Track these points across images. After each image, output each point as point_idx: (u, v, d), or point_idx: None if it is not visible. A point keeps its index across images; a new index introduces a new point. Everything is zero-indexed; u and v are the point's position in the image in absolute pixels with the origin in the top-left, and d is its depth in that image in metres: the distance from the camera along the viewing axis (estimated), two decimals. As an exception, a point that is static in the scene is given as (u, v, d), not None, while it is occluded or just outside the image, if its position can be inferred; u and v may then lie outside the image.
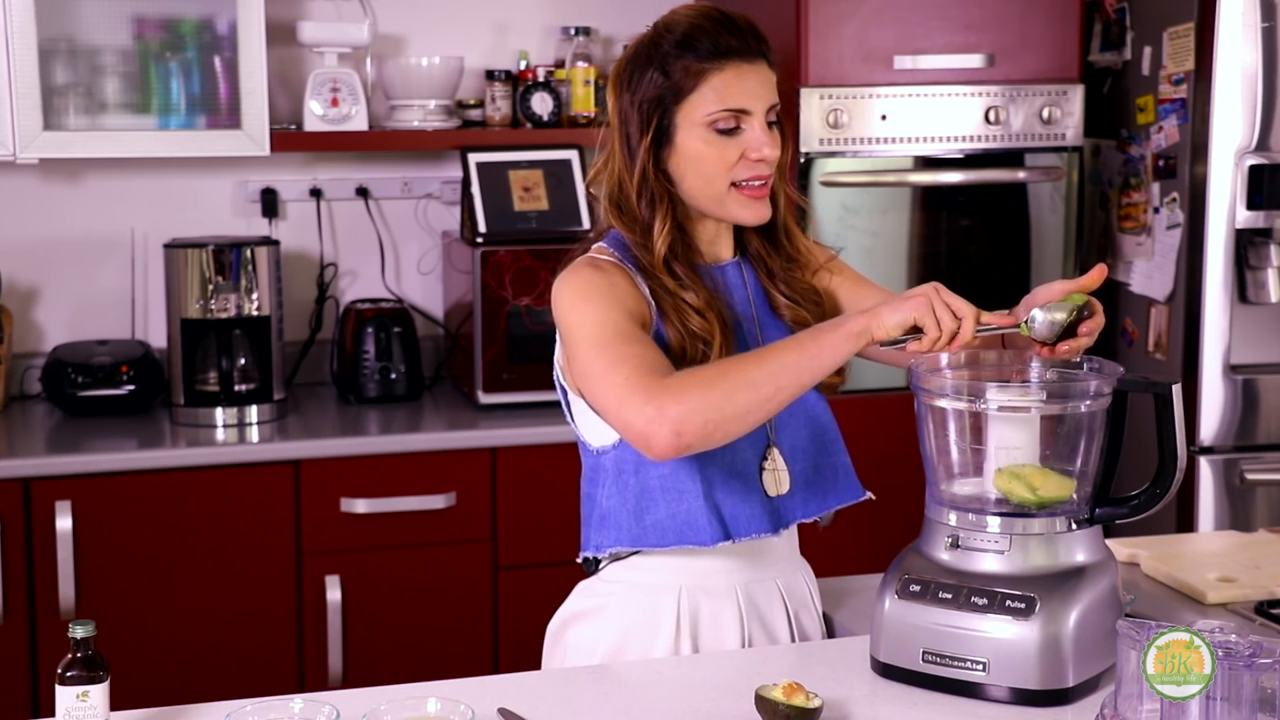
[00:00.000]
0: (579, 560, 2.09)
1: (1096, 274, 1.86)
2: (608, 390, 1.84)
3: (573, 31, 3.81)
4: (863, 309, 1.83)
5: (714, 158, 1.96)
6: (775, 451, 2.03)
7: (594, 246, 2.04)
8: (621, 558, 2.05)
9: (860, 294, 2.14)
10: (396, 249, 3.90)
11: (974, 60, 3.54)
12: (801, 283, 2.11)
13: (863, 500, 2.12)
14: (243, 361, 3.47)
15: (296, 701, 1.72)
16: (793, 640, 2.08)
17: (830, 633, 2.18)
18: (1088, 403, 1.86)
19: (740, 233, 2.10)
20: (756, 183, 1.99)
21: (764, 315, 2.07)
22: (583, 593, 2.10)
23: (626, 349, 1.86)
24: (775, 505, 2.02)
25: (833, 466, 2.09)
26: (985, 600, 1.81)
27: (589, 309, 1.92)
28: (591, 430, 2.03)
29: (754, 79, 1.97)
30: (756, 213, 2.01)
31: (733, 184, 1.98)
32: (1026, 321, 1.86)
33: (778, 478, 2.03)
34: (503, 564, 3.37)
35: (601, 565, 2.07)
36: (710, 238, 2.06)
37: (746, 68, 1.97)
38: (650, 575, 2.03)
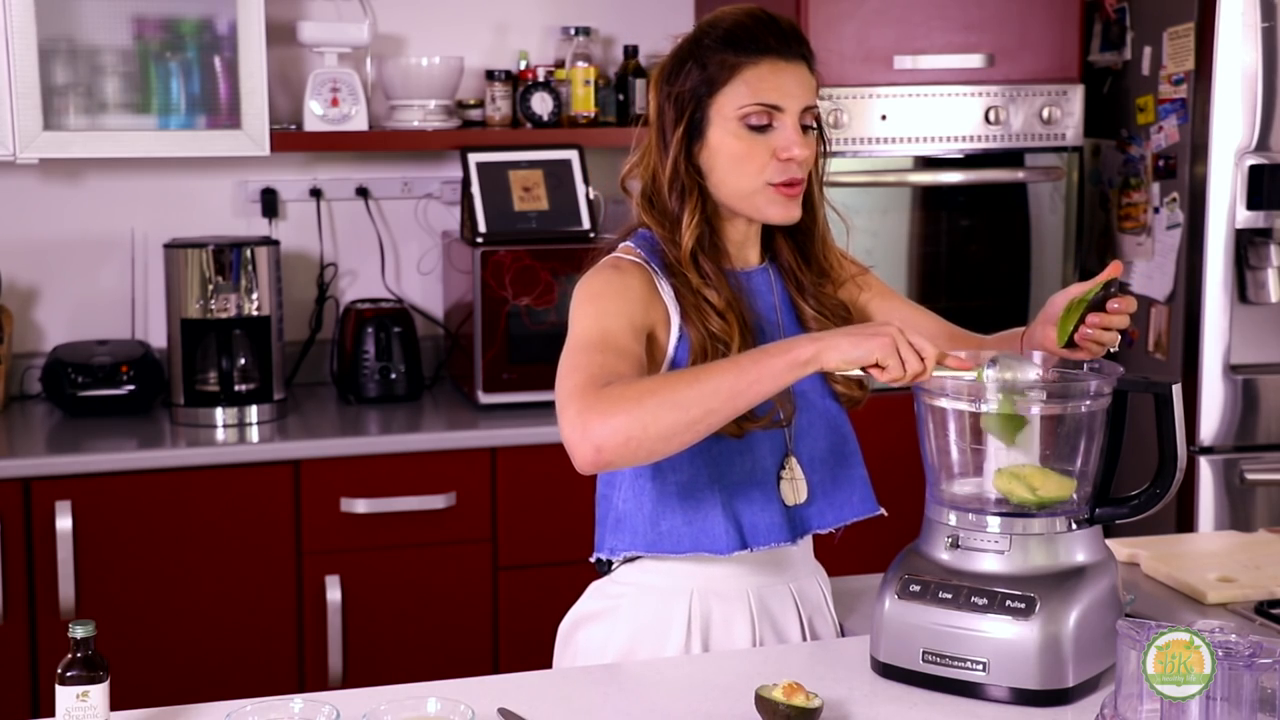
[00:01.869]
0: (592, 560, 2.09)
1: (1110, 271, 1.91)
2: (557, 395, 1.81)
3: (573, 31, 3.81)
4: (814, 335, 1.78)
5: (743, 154, 1.95)
6: (794, 461, 2.02)
7: (620, 245, 2.03)
8: (634, 560, 2.04)
9: (889, 310, 2.13)
10: (396, 249, 3.90)
11: (974, 60, 3.54)
12: (831, 298, 2.09)
13: (876, 516, 2.10)
14: (243, 361, 3.46)
15: (296, 701, 1.72)
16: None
17: (842, 636, 2.17)
18: (1088, 403, 1.86)
19: (771, 240, 2.09)
20: (788, 182, 1.97)
21: (789, 324, 2.05)
22: (594, 594, 2.09)
23: (595, 355, 1.82)
24: (793, 515, 2.02)
25: (850, 478, 2.08)
26: (985, 600, 1.81)
27: (589, 311, 1.91)
28: None
29: (790, 77, 1.96)
30: (786, 211, 1.99)
31: (767, 183, 1.96)
32: (981, 369, 1.83)
33: (795, 487, 2.02)
34: (503, 564, 3.37)
35: (614, 566, 2.07)
36: (739, 240, 2.05)
37: (783, 65, 1.96)
38: (663, 578, 2.02)
